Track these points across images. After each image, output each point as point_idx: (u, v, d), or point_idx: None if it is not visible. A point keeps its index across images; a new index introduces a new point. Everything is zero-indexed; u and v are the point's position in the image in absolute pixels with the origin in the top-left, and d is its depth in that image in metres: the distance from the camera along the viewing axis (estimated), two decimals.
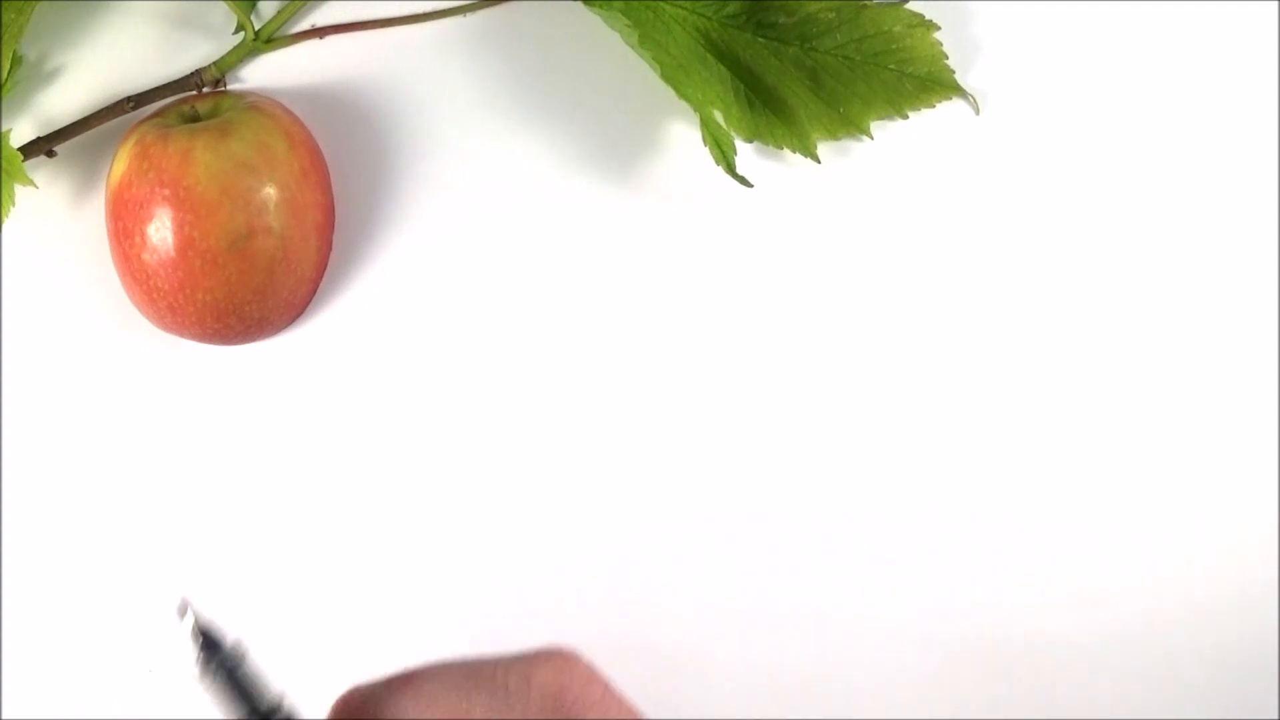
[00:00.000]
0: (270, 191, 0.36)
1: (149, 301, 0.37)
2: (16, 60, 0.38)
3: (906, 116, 0.39)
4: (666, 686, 0.40)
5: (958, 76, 0.38)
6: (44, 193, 0.39)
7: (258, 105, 0.38)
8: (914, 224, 0.40)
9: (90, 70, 0.40)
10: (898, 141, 0.39)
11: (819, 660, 0.40)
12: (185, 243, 0.35)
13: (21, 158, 0.36)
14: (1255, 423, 0.40)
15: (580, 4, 0.38)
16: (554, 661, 0.28)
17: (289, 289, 0.38)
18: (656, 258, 0.40)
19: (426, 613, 0.39)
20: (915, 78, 0.38)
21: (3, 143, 0.36)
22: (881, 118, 0.39)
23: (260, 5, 0.39)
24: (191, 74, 0.39)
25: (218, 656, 0.27)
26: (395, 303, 0.40)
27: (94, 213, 0.39)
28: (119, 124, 0.39)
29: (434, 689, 0.28)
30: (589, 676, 0.28)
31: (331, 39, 0.40)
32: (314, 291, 0.39)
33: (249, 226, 0.36)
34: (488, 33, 0.40)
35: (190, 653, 0.27)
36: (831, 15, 0.38)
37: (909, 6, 0.38)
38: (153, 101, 0.39)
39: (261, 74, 0.40)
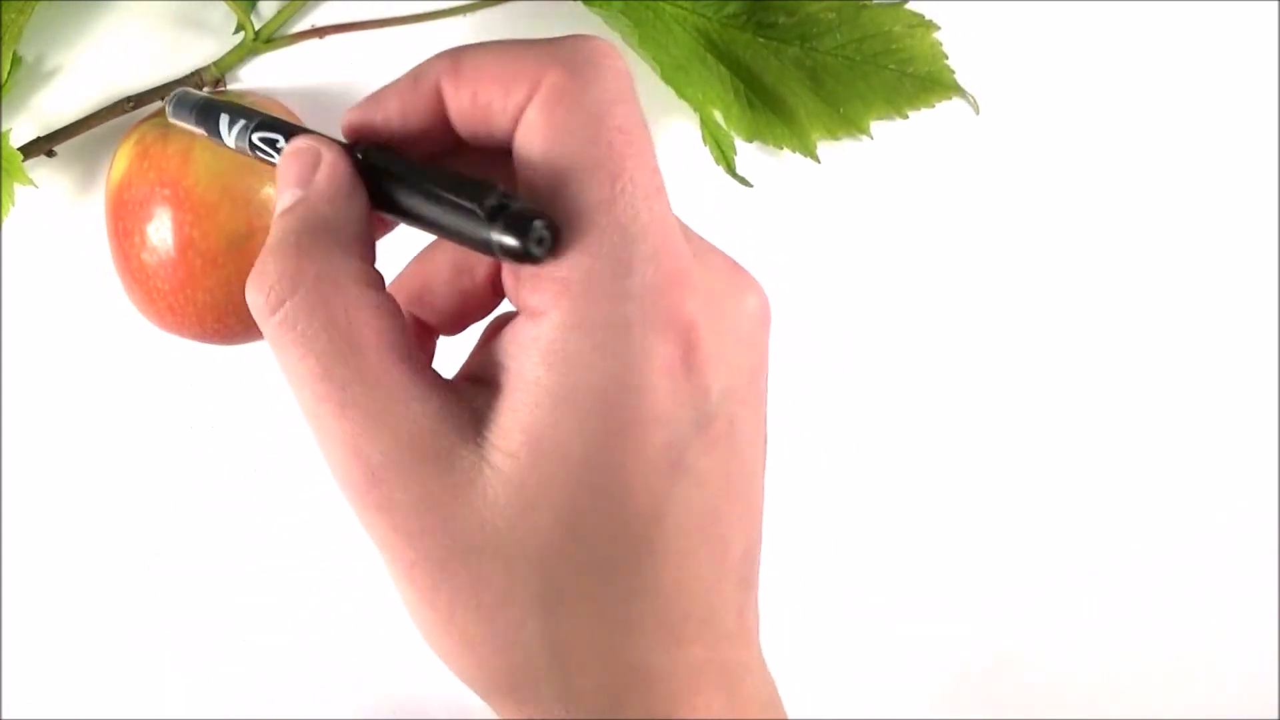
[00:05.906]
0: (270, 191, 0.36)
1: (149, 301, 0.37)
2: (16, 60, 0.38)
3: (906, 116, 0.39)
4: None
5: (958, 76, 0.38)
6: (44, 193, 0.39)
7: (258, 105, 0.38)
8: (914, 224, 0.40)
9: (90, 70, 0.40)
10: (898, 141, 0.39)
11: (821, 674, 0.40)
12: (185, 243, 0.35)
13: (21, 158, 0.36)
14: (1255, 423, 0.40)
15: (580, 4, 0.38)
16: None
17: None
18: None
19: None
20: (915, 78, 0.38)
21: (3, 143, 0.36)
22: (881, 118, 0.39)
23: (260, 5, 0.39)
24: (191, 74, 0.39)
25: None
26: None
27: (94, 213, 0.39)
28: (119, 124, 0.39)
29: None
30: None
31: (331, 39, 0.40)
32: None
33: (249, 226, 0.36)
34: (488, 33, 0.40)
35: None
36: (831, 15, 0.38)
37: (909, 6, 0.38)
38: (153, 101, 0.39)
39: (261, 74, 0.40)
